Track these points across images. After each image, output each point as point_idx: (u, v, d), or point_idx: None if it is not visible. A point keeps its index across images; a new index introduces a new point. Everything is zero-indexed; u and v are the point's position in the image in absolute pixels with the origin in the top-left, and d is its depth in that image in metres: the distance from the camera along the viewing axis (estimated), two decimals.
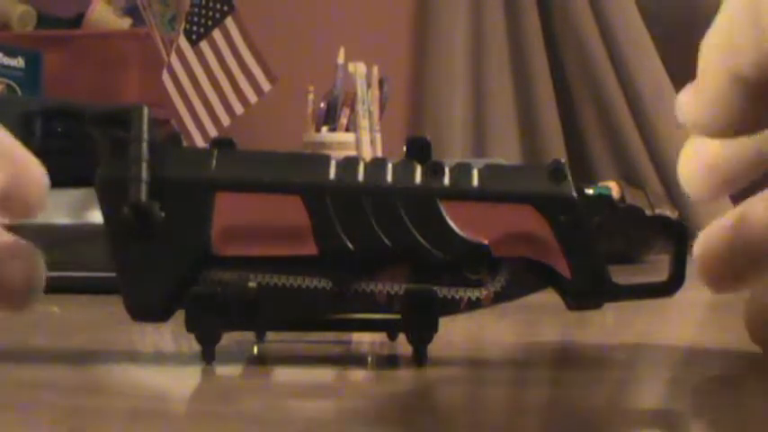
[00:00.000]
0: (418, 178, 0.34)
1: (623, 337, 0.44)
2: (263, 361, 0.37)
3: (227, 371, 0.34)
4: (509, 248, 0.34)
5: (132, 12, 2.17)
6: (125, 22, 2.23)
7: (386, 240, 0.33)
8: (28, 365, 0.34)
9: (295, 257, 0.33)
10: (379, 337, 0.40)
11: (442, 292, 0.34)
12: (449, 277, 0.34)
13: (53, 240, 0.57)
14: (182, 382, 0.32)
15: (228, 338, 0.34)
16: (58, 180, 0.34)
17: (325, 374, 0.34)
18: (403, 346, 0.34)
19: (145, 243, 0.33)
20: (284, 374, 0.34)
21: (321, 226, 0.33)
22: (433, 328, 0.34)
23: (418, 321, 0.34)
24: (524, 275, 0.34)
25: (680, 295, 0.35)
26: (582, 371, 0.35)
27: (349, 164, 0.34)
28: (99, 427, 0.26)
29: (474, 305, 0.34)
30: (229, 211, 0.33)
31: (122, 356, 0.34)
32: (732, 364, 0.37)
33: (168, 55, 1.82)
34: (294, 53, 2.12)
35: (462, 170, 0.34)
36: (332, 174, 0.33)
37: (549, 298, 0.36)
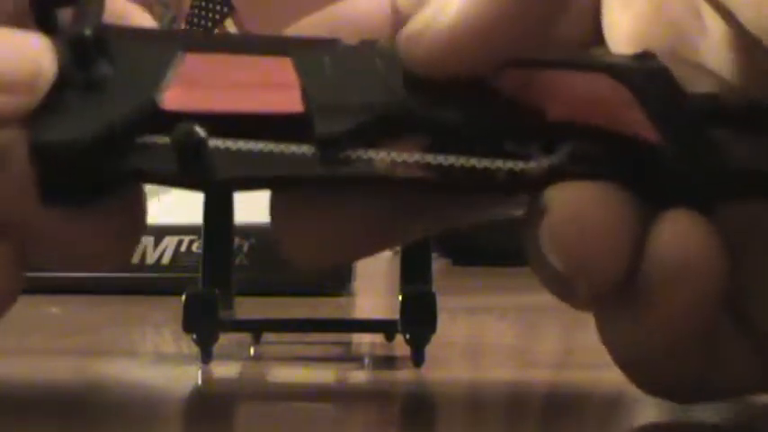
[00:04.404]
0: None
1: None
2: (259, 362, 0.37)
3: (225, 371, 0.34)
4: (572, 112, 0.24)
5: None
6: None
7: (399, 95, 0.25)
8: (27, 365, 0.34)
9: (270, 116, 0.25)
10: (376, 338, 0.40)
11: (470, 162, 0.24)
12: (483, 148, 0.24)
13: None
14: (180, 382, 0.33)
15: (225, 339, 0.34)
16: None
17: (322, 375, 0.34)
18: (401, 347, 0.35)
19: (83, 88, 0.24)
20: (280, 375, 0.34)
21: (314, 82, 0.25)
22: (431, 328, 0.34)
23: (416, 322, 0.34)
24: (595, 147, 0.24)
25: None
26: (582, 372, 0.35)
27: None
28: (98, 426, 0.26)
29: (518, 180, 0.24)
30: (194, 68, 0.25)
31: (122, 357, 0.34)
32: None
33: None
34: None
35: None
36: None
37: (548, 298, 0.36)
